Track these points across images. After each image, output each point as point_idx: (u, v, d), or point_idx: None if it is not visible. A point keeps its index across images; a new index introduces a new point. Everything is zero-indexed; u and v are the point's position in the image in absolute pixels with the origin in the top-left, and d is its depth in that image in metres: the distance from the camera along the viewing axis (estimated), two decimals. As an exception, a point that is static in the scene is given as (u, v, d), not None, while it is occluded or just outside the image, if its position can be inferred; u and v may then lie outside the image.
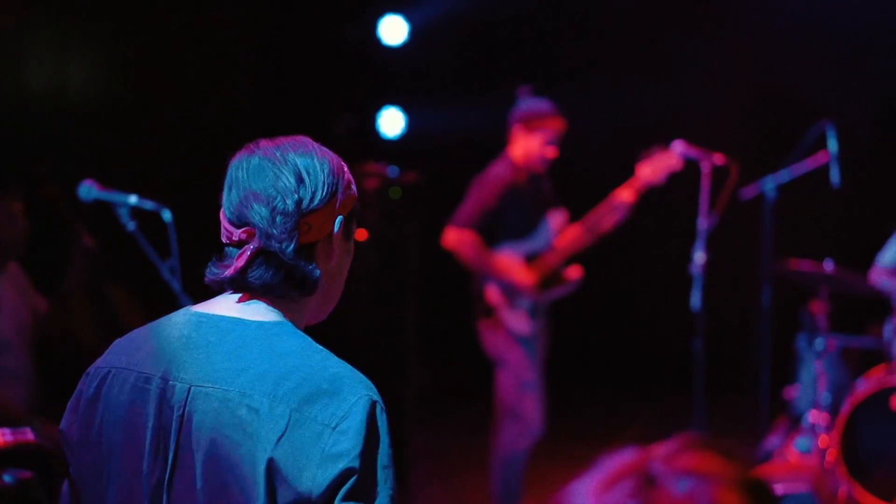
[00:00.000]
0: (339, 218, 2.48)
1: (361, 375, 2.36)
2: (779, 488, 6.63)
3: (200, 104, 8.36)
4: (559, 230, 7.13)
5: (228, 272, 2.43)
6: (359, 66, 9.50)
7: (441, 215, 6.99)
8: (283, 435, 2.24)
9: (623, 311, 10.15)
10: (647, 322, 10.26)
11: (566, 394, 8.45)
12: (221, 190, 2.56)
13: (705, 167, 7.20)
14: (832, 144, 8.13)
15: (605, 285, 7.49)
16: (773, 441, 8.52)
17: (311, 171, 2.44)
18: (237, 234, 2.42)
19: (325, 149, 2.52)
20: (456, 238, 6.87)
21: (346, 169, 2.53)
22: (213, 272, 2.47)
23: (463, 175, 7.15)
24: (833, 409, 8.10)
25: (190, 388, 2.35)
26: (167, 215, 4.29)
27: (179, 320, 2.48)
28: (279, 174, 2.41)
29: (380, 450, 2.27)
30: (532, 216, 7.09)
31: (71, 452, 2.47)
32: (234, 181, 2.45)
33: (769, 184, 8.21)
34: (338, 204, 2.47)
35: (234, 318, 2.43)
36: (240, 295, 2.47)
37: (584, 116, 7.71)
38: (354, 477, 2.22)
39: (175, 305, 4.10)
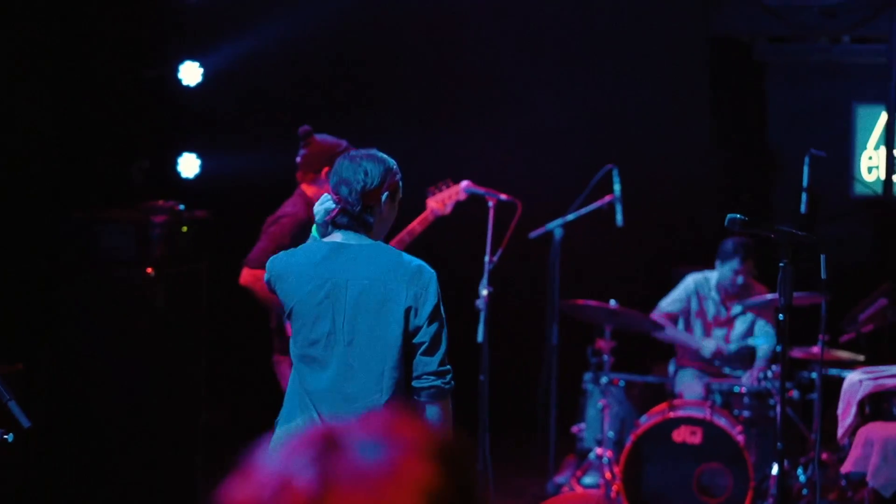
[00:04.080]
0: (385, 194, 4.74)
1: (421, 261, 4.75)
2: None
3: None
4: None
5: (328, 218, 4.76)
6: (157, 109, 9.43)
7: (239, 255, 6.99)
8: (409, 293, 4.61)
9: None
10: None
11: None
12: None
13: (491, 204, 7.35)
14: (616, 186, 8.38)
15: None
16: (561, 477, 8.68)
17: (370, 170, 4.71)
18: (334, 199, 4.74)
19: (383, 156, 4.80)
20: (251, 276, 6.87)
21: (392, 167, 4.80)
22: (319, 216, 4.81)
23: (260, 215, 7.16)
24: (618, 445, 8.30)
25: (348, 281, 4.66)
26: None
27: (322, 248, 4.76)
28: (356, 171, 4.71)
29: (440, 298, 4.69)
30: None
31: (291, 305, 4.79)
32: (336, 172, 4.76)
33: (556, 223, 8.41)
34: (384, 187, 4.74)
35: (357, 244, 4.74)
36: (343, 231, 4.76)
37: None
38: (436, 309, 4.65)
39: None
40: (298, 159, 7.15)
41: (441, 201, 7.17)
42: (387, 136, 9.78)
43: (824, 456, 8.45)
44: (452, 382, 4.70)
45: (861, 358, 8.40)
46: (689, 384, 8.65)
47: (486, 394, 7.49)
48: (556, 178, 9.55)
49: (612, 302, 8.31)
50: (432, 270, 4.68)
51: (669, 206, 10.49)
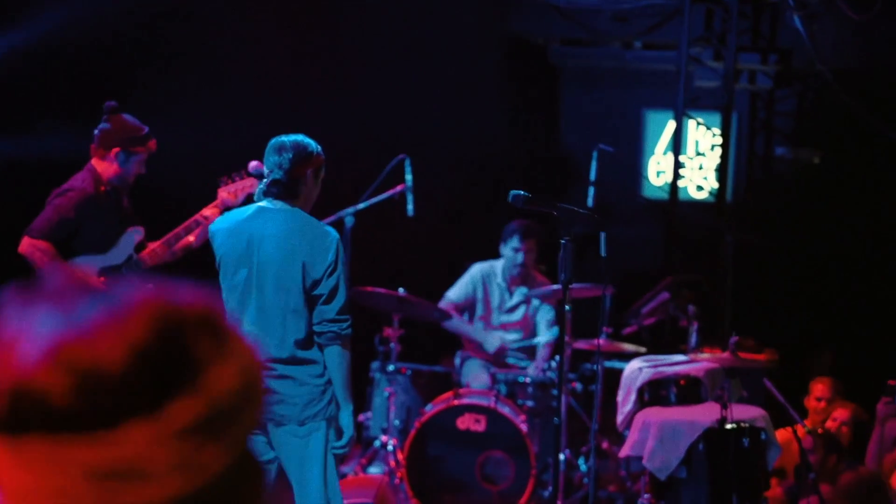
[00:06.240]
0: (310, 170, 5.63)
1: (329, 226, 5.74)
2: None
3: None
4: (138, 246, 7.11)
5: (261, 187, 5.64)
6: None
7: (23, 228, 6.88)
8: (310, 251, 5.45)
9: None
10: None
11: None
12: None
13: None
14: (408, 176, 8.42)
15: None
16: (346, 467, 8.66)
17: (297, 148, 5.58)
18: (266, 173, 5.62)
19: (308, 140, 5.64)
20: (30, 245, 6.78)
21: (315, 149, 5.65)
22: (257, 190, 5.72)
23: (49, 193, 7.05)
24: (403, 433, 8.32)
25: (263, 237, 5.51)
26: None
27: (251, 210, 5.63)
28: (285, 149, 5.58)
29: (340, 258, 5.53)
30: (111, 231, 7.06)
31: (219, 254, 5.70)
32: (268, 151, 5.62)
33: (348, 211, 8.40)
34: (308, 163, 5.62)
35: (275, 208, 5.58)
36: (271, 199, 5.60)
37: (166, 140, 7.70)
38: (334, 267, 5.49)
39: None
40: (96, 132, 7.06)
41: (233, 192, 7.14)
42: (174, 123, 9.67)
43: (605, 445, 8.62)
44: (349, 330, 5.57)
45: (643, 350, 8.58)
46: (475, 374, 8.73)
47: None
48: (349, 165, 9.53)
49: (401, 290, 8.34)
50: (336, 235, 5.59)
51: (462, 198, 10.59)
